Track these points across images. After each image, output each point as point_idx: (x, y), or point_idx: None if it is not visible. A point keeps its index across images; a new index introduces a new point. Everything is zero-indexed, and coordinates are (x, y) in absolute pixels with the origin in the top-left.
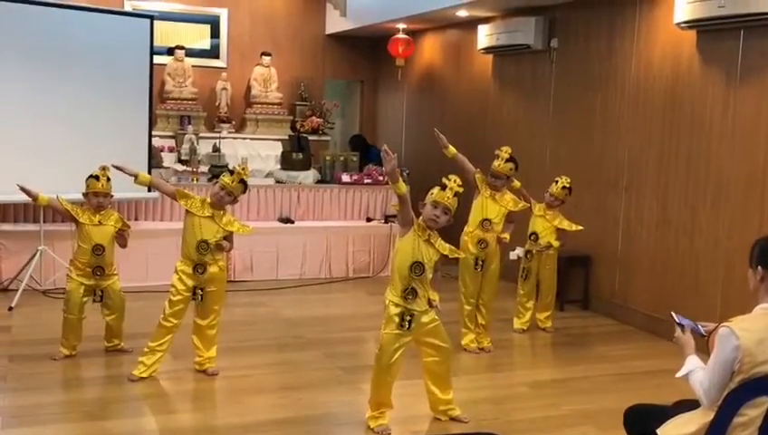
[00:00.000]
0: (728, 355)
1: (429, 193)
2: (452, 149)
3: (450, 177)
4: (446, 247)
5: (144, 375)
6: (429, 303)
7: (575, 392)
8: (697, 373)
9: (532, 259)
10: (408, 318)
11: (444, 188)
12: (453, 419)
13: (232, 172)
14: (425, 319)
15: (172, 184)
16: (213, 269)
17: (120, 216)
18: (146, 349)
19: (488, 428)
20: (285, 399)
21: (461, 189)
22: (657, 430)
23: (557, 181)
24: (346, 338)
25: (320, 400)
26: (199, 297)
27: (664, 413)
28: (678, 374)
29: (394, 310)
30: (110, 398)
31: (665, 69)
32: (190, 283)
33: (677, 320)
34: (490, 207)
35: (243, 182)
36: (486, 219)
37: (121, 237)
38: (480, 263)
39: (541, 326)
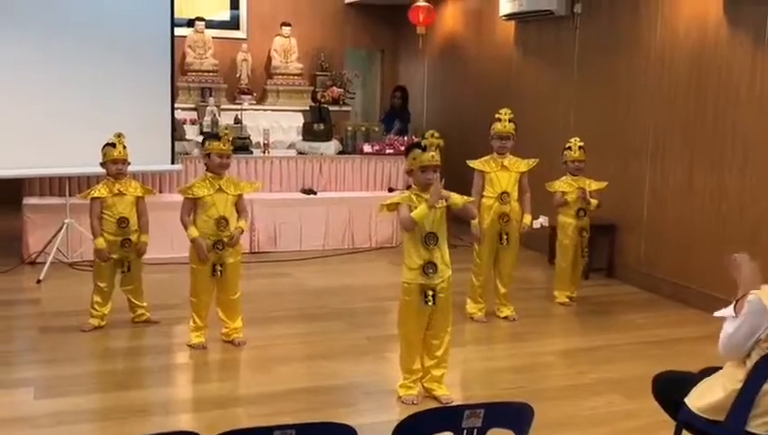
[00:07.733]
0: (755, 321)
1: (411, 159)
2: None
3: (425, 134)
4: (457, 199)
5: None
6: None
7: (602, 361)
8: (729, 320)
9: (587, 235)
10: (431, 293)
11: (424, 148)
12: (435, 397)
13: (216, 137)
14: (444, 283)
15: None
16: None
17: (141, 184)
18: (192, 324)
19: (515, 397)
20: (312, 368)
21: (441, 141)
22: (685, 400)
23: (570, 147)
24: (370, 308)
25: (346, 369)
26: (218, 273)
27: (693, 381)
28: (716, 313)
29: (415, 288)
30: (139, 368)
31: (691, 33)
32: (210, 260)
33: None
34: (503, 178)
35: (231, 141)
36: (504, 192)
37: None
38: (505, 236)
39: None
